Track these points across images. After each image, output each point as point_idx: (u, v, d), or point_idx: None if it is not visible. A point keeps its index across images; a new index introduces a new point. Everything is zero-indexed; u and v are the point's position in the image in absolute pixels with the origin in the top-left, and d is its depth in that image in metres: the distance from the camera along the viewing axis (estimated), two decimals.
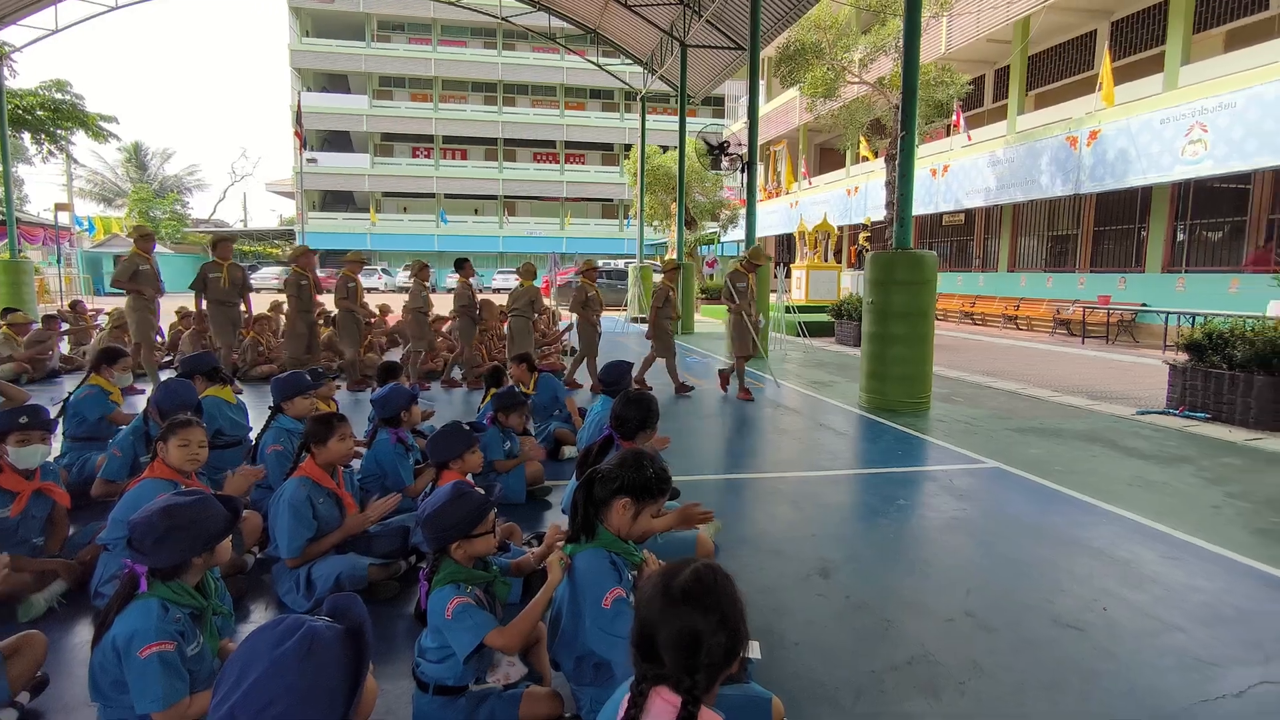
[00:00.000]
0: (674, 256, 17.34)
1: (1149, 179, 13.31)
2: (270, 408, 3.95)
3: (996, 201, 17.56)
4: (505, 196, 48.43)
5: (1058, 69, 19.11)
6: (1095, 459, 5.42)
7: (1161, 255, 14.69)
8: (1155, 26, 15.88)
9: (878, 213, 18.74)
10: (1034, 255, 18.78)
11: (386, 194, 47.91)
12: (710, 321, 18.63)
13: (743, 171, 13.08)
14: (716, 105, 44.91)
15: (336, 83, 47.18)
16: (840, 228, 24.02)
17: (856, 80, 16.92)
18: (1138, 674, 2.53)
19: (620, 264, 25.44)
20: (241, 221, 52.99)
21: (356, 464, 3.94)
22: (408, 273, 9.10)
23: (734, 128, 27.23)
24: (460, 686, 2.10)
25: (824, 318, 14.69)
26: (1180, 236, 14.62)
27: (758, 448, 6.04)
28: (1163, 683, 2.47)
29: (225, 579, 2.57)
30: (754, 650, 2.24)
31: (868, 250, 14.26)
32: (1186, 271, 14.21)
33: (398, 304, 9.23)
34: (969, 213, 20.20)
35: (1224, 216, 14.03)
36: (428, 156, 47.80)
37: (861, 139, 20.08)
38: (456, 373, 8.97)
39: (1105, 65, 14.54)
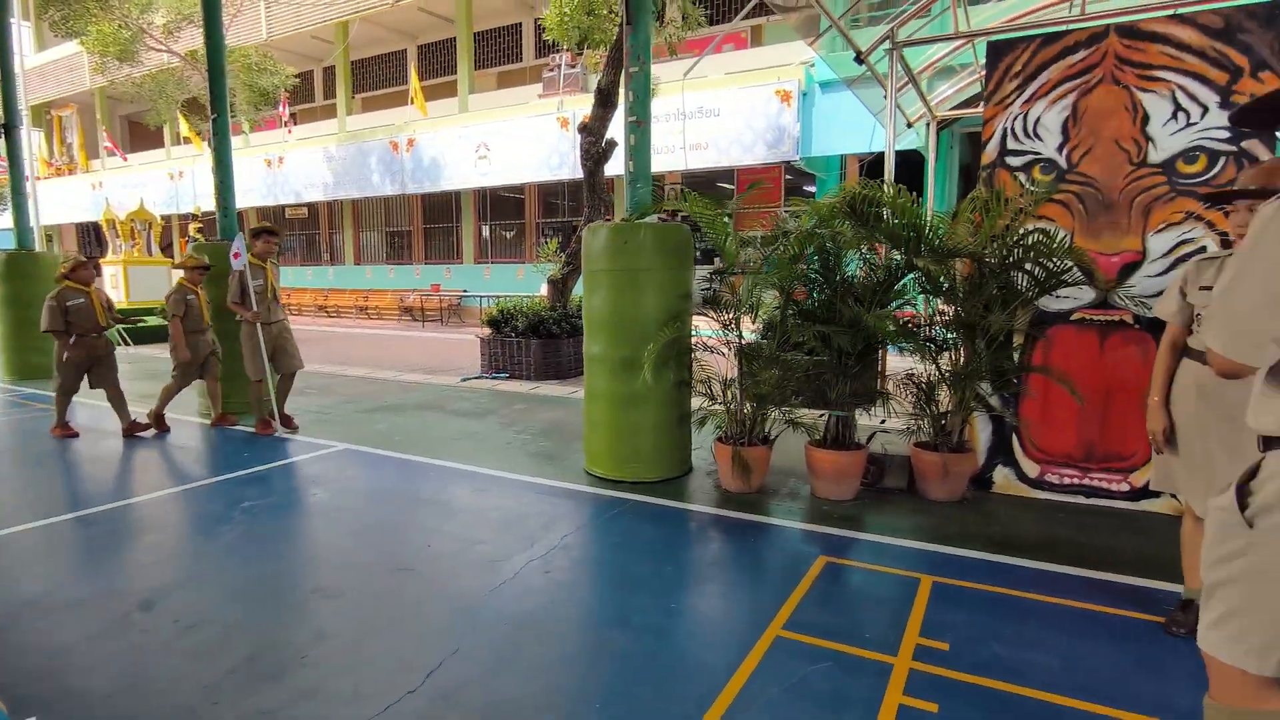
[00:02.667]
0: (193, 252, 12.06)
1: (455, 185, 15.93)
2: None
3: (335, 196, 18.16)
4: None
5: (380, 77, 20.81)
6: (429, 424, 6.26)
7: (473, 249, 17.80)
8: (450, 57, 18.87)
9: (210, 201, 17.02)
10: (377, 249, 20.21)
11: None
12: None
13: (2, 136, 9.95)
14: None
15: None
16: (166, 216, 20.90)
17: (162, 47, 14.82)
18: (454, 586, 3.07)
19: None
20: None
21: None
22: None
23: None
24: None
25: (153, 320, 12.60)
26: (485, 234, 17.99)
27: (67, 485, 4.82)
28: (470, 585, 3.06)
29: None
30: None
31: (200, 242, 12.79)
32: (491, 263, 17.62)
33: None
34: (312, 206, 20.29)
35: (512, 219, 17.88)
36: None
37: (182, 117, 17.79)
38: None
39: (414, 81, 16.54)
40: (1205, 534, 1.53)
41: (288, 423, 5.98)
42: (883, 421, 5.06)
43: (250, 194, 19.23)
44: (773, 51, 13.41)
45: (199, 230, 18.19)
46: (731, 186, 15.83)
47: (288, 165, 18.61)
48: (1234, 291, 1.37)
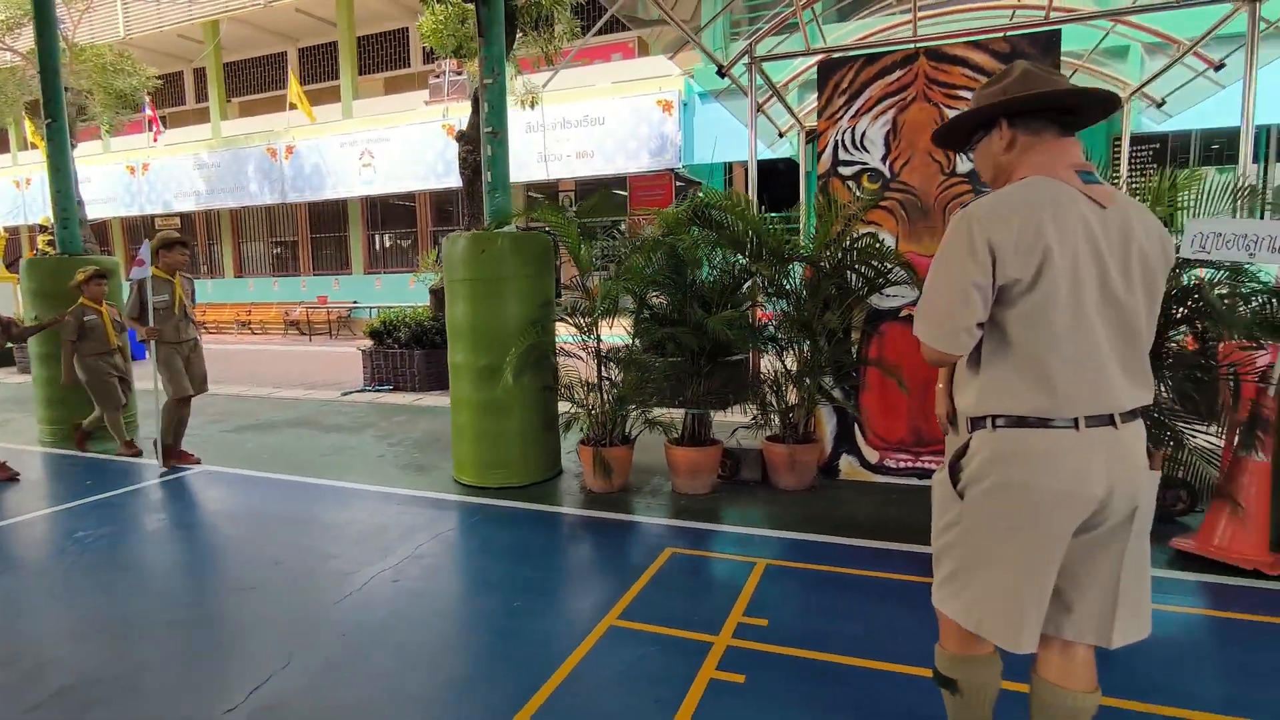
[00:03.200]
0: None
1: (340, 194, 15.40)
2: None
3: (210, 206, 17.18)
4: None
5: (259, 81, 19.81)
6: (300, 441, 6.06)
7: (363, 259, 17.25)
8: (333, 61, 18.21)
9: None
10: (260, 261, 19.23)
11: None
12: None
13: None
14: None
15: None
16: (12, 228, 19.13)
17: (4, 47, 13.62)
18: (297, 601, 3.02)
19: None
20: None
21: None
22: None
23: None
24: None
25: None
26: (378, 244, 17.47)
27: None
28: (314, 600, 3.03)
29: None
30: None
31: (47, 255, 11.76)
32: (384, 273, 17.13)
33: None
34: (186, 216, 19.08)
35: (404, 227, 17.45)
36: None
37: (27, 120, 16.33)
38: None
39: (293, 85, 15.85)
40: (933, 505, 1.75)
41: (185, 457, 5.29)
42: (754, 418, 5.32)
43: (111, 203, 17.90)
44: (659, 62, 13.74)
45: (49, 243, 16.73)
46: (625, 193, 16.07)
47: (154, 172, 17.43)
48: (931, 289, 1.59)
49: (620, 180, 15.06)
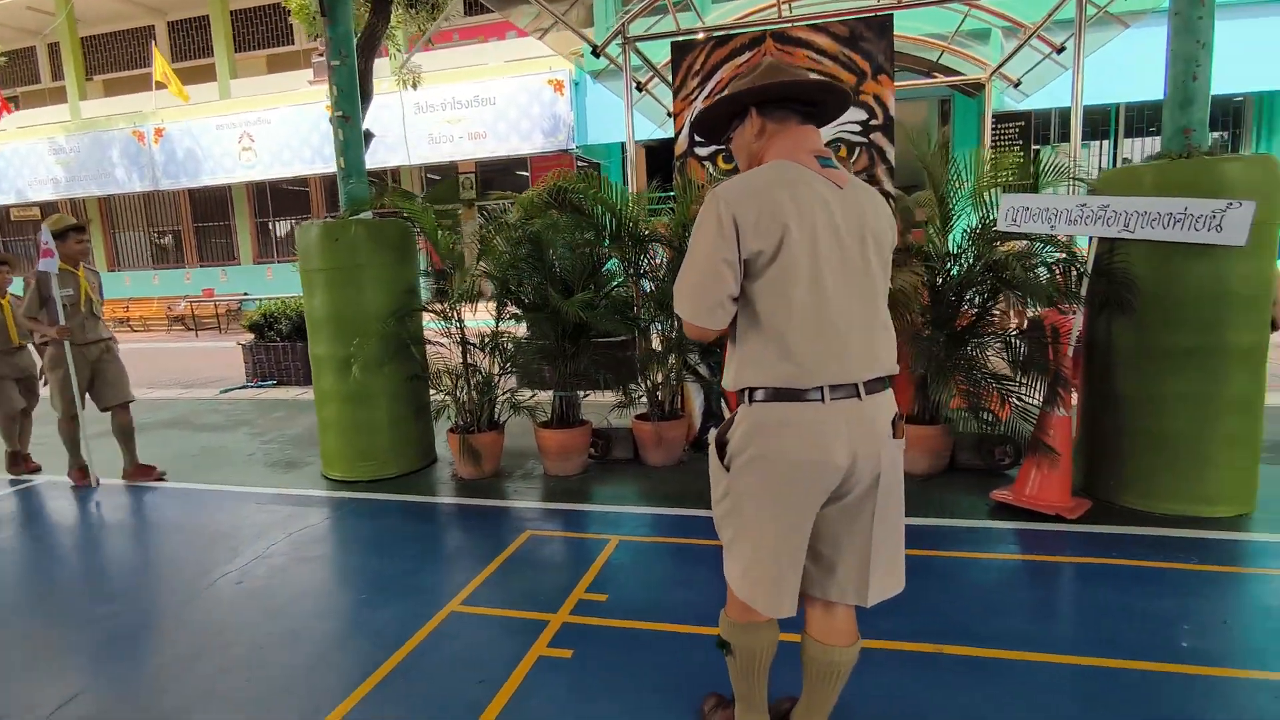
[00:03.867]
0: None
1: (218, 180, 14.51)
2: None
3: (71, 195, 15.86)
4: None
5: (123, 57, 18.30)
6: (168, 443, 5.76)
7: (252, 248, 16.37)
8: (206, 37, 17.02)
9: None
10: (138, 253, 17.97)
11: None
12: None
13: None
14: None
15: None
16: None
17: None
18: (132, 610, 2.89)
19: None
20: None
21: None
22: None
23: None
24: None
25: None
26: (272, 232, 16.59)
27: None
28: (150, 608, 2.90)
29: None
30: None
31: None
32: (276, 262, 16.31)
33: None
34: (45, 206, 17.55)
35: (297, 214, 16.63)
36: None
37: None
38: None
39: (158, 61, 14.69)
40: (710, 478, 1.83)
41: (147, 473, 4.73)
42: (641, 397, 5.39)
43: None
44: (550, 39, 13.52)
45: None
46: (527, 174, 15.82)
47: (3, 158, 15.92)
48: (686, 267, 1.65)
49: (521, 161, 14.81)
